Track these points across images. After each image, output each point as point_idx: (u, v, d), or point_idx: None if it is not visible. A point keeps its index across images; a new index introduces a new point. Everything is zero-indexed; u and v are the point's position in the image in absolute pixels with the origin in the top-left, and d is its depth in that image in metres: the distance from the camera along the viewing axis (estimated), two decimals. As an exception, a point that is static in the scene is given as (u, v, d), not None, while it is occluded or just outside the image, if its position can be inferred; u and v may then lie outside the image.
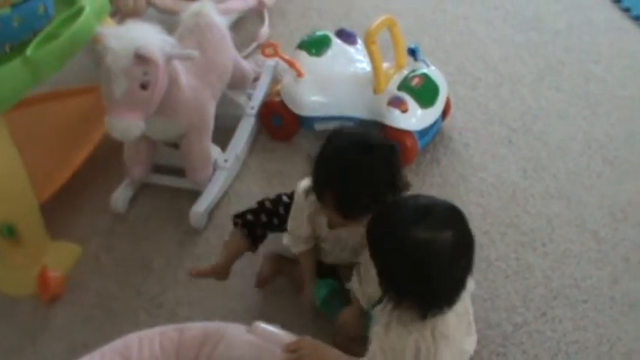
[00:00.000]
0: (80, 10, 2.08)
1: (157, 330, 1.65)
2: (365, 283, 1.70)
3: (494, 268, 2.03)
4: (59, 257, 2.16)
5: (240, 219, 1.93)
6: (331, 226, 1.78)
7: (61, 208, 2.28)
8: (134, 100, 1.96)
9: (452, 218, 1.41)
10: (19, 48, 1.95)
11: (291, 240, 1.86)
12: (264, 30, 2.94)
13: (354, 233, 1.72)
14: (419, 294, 1.40)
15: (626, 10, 2.97)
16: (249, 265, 2.03)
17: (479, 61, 2.78)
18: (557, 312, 1.92)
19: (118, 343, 1.62)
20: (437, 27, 2.97)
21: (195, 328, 1.65)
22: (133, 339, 1.63)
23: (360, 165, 1.59)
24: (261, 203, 1.94)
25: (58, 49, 1.99)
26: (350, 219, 1.65)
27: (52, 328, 2.03)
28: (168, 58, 2.01)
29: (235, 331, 1.64)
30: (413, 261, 1.37)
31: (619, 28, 2.90)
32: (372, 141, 1.65)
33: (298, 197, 1.80)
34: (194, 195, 2.27)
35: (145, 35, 1.98)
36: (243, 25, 2.98)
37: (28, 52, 1.92)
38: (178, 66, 2.09)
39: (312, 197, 1.70)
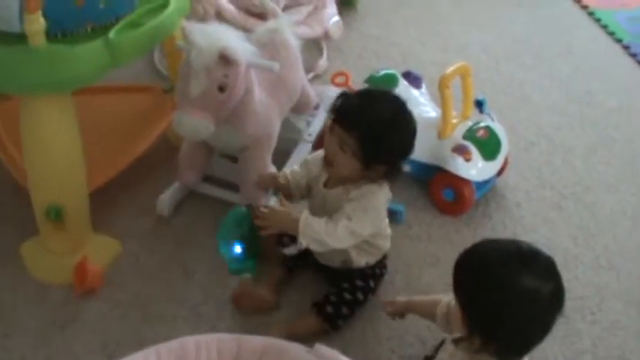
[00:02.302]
0: (165, 4, 2.06)
1: (214, 337, 1.58)
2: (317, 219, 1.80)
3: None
4: (99, 251, 2.09)
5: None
6: (326, 184, 1.90)
7: (106, 202, 2.23)
8: (209, 100, 1.92)
9: (553, 268, 1.38)
10: (100, 30, 1.92)
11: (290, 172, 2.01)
12: (323, 62, 2.94)
13: (335, 199, 1.86)
14: (511, 341, 1.36)
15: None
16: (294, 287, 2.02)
17: (532, 125, 2.79)
18: (604, 381, 1.89)
19: (174, 344, 1.55)
20: (492, 86, 2.98)
21: (255, 341, 1.58)
22: (189, 341, 1.55)
23: (395, 118, 1.77)
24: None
25: (139, 37, 1.96)
26: (367, 165, 1.77)
27: (83, 321, 1.95)
28: (250, 66, 1.99)
29: (295, 350, 1.57)
30: (518, 308, 1.34)
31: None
32: (410, 113, 1.84)
33: (315, 155, 1.96)
34: (242, 211, 2.22)
35: (230, 37, 1.95)
36: (302, 54, 2.96)
37: (111, 34, 1.89)
38: (254, 77, 2.06)
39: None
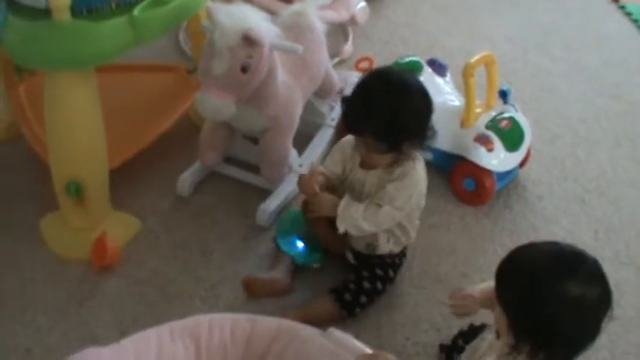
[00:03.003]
0: (191, -15, 2.06)
1: (228, 316, 1.60)
2: (355, 206, 1.84)
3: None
4: (118, 228, 2.11)
5: None
6: (362, 164, 1.90)
7: (126, 180, 2.24)
8: (232, 80, 1.92)
9: (599, 270, 1.36)
10: (124, 7, 1.92)
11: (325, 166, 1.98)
12: (348, 47, 2.92)
13: (374, 182, 1.87)
14: (559, 348, 1.35)
15: None
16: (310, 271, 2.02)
17: (557, 117, 2.76)
18: (620, 378, 1.86)
19: (188, 322, 1.57)
20: (518, 77, 2.95)
21: (268, 322, 1.60)
22: (203, 320, 1.57)
23: (397, 100, 1.77)
24: None
25: (164, 15, 1.97)
26: (395, 148, 1.81)
27: (101, 297, 1.97)
28: (273, 47, 1.98)
29: (309, 332, 1.58)
30: (566, 318, 1.32)
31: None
32: (409, 81, 1.83)
33: (346, 139, 1.95)
34: (262, 193, 2.23)
35: (255, 18, 1.95)
36: (328, 39, 2.93)
37: (136, 12, 1.89)
38: (277, 59, 2.06)
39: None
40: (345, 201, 1.85)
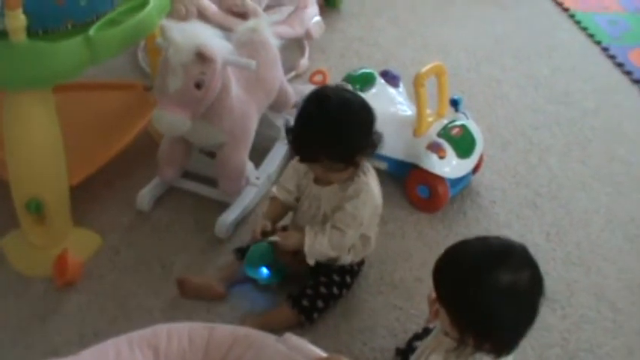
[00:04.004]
0: (144, 3, 2.11)
1: (186, 324, 1.63)
2: (319, 237, 1.88)
3: (514, 322, 2.03)
4: (79, 244, 2.13)
5: (240, 253, 2.07)
6: (317, 181, 1.94)
7: (86, 197, 2.27)
8: (186, 96, 1.97)
9: (527, 255, 1.44)
10: (80, 27, 1.97)
11: (277, 187, 2.03)
12: (304, 61, 2.98)
13: (330, 198, 1.92)
14: (502, 336, 1.41)
15: (654, 99, 3.05)
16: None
17: (509, 124, 2.83)
18: (572, 374, 1.93)
19: (146, 332, 1.60)
20: (470, 86, 3.03)
21: (225, 329, 1.64)
22: (162, 329, 1.61)
23: (339, 117, 1.81)
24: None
25: (119, 34, 2.01)
26: (351, 163, 1.85)
27: (63, 313, 1.99)
28: (226, 63, 2.03)
29: (265, 339, 1.62)
30: (500, 306, 1.39)
31: (645, 115, 2.98)
32: (346, 96, 1.88)
33: (296, 161, 1.99)
34: (220, 206, 2.27)
35: (207, 35, 2.00)
36: (283, 54, 2.99)
37: (91, 32, 1.93)
38: (231, 75, 2.11)
39: None
40: (308, 238, 1.89)
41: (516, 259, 1.42)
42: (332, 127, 1.80)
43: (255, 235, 1.97)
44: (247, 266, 2.02)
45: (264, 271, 2.02)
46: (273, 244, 1.95)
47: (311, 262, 1.92)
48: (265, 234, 1.96)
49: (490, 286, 1.38)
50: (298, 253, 1.93)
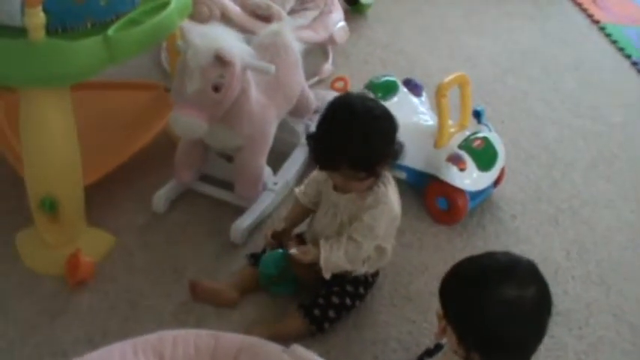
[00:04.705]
0: (165, 4, 2.09)
1: (192, 332, 1.61)
2: (335, 250, 1.86)
3: (529, 341, 1.99)
4: (93, 244, 2.12)
5: (253, 259, 2.06)
6: (335, 188, 1.92)
7: (101, 196, 2.26)
8: (204, 100, 1.95)
9: (533, 271, 1.41)
10: (100, 26, 1.96)
11: (301, 190, 2.02)
12: (328, 66, 2.96)
13: (348, 206, 1.90)
14: (508, 353, 1.39)
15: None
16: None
17: (534, 137, 2.79)
18: (587, 396, 1.88)
19: (151, 337, 1.58)
20: (496, 97, 2.99)
21: (232, 338, 1.61)
22: (167, 336, 1.58)
23: (362, 128, 1.78)
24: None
25: (138, 35, 1.99)
26: (372, 173, 1.82)
27: (72, 312, 1.98)
28: (245, 67, 2.02)
29: (271, 349, 1.59)
30: (505, 321, 1.36)
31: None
32: (371, 106, 1.85)
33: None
34: (236, 211, 2.25)
35: (227, 39, 1.98)
36: (307, 59, 2.97)
37: (110, 31, 1.92)
38: (250, 78, 2.09)
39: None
40: (324, 251, 1.86)
41: (522, 274, 1.40)
42: (355, 136, 1.78)
43: (266, 238, 1.96)
44: (261, 275, 2.00)
45: (275, 279, 1.99)
46: (289, 256, 1.92)
47: (327, 275, 1.89)
48: (276, 235, 1.95)
49: (494, 303, 1.36)
50: (313, 266, 1.90)
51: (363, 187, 1.87)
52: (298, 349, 1.58)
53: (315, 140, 1.86)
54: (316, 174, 2.01)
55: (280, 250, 1.97)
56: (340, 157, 1.80)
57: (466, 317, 1.41)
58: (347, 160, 1.79)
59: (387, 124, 1.83)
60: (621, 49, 3.39)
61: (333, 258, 1.86)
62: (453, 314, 1.43)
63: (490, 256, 1.48)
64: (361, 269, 1.97)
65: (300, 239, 2.01)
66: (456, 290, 1.44)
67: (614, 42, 3.44)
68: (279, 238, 2.00)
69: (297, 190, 2.05)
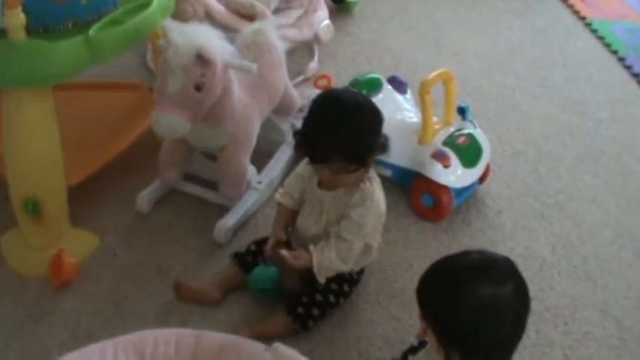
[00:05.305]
0: (147, 3, 2.08)
1: (173, 331, 1.61)
2: (326, 252, 1.86)
3: (514, 336, 1.99)
4: (76, 245, 2.11)
5: (237, 258, 2.05)
6: (320, 184, 1.92)
7: (85, 197, 2.25)
8: (186, 99, 1.95)
9: (510, 268, 1.41)
10: (81, 26, 1.95)
11: (281, 193, 2.02)
12: (313, 65, 2.95)
13: (334, 203, 1.90)
14: (487, 351, 1.38)
15: (671, 112, 2.98)
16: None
17: (520, 133, 2.79)
18: (572, 392, 1.88)
19: (132, 337, 1.58)
20: (482, 93, 2.98)
21: (213, 337, 1.62)
22: (148, 335, 1.59)
23: (355, 119, 1.80)
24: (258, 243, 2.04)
25: (120, 34, 1.98)
26: (360, 165, 1.82)
27: (57, 314, 1.97)
28: (227, 66, 2.01)
29: (253, 347, 1.60)
30: (482, 320, 1.36)
31: (662, 128, 2.92)
32: (358, 98, 1.89)
33: (302, 163, 2.00)
34: (221, 210, 2.24)
35: (209, 38, 1.98)
36: (292, 57, 2.98)
37: (91, 32, 1.91)
38: (233, 77, 2.08)
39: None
40: (315, 255, 1.86)
41: (499, 272, 1.40)
42: (346, 127, 1.79)
43: (270, 249, 1.94)
44: (253, 288, 1.99)
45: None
46: (280, 268, 1.91)
47: (322, 279, 1.89)
48: (279, 244, 1.93)
49: (470, 302, 1.35)
50: (306, 276, 1.90)
51: (352, 180, 1.87)
52: (280, 347, 1.57)
53: (306, 135, 1.86)
54: (299, 172, 2.00)
55: (273, 268, 1.93)
56: (333, 151, 1.80)
57: (442, 317, 1.40)
58: (340, 152, 1.80)
59: (374, 116, 1.85)
60: (608, 45, 3.38)
61: (325, 261, 1.86)
62: (429, 314, 1.43)
63: (465, 254, 1.47)
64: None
65: (288, 245, 1.98)
66: (431, 290, 1.43)
67: (600, 38, 3.43)
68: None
69: (277, 195, 2.03)
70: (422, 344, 1.79)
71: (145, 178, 2.32)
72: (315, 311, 1.93)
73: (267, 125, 2.35)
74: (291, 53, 2.97)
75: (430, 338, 1.45)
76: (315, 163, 1.88)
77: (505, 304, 1.36)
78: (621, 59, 3.28)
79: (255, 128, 2.21)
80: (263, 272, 1.95)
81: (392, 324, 1.99)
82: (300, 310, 1.92)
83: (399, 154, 2.29)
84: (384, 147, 1.87)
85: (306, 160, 1.97)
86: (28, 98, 1.92)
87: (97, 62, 1.96)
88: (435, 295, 1.42)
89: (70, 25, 1.97)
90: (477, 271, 1.39)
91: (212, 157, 2.28)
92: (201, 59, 1.91)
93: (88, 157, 2.24)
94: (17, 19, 1.79)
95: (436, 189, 2.26)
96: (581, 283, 2.18)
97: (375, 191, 1.90)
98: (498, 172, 2.54)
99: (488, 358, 1.40)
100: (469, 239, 2.29)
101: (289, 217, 2.02)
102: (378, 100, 2.39)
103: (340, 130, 1.79)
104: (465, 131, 2.34)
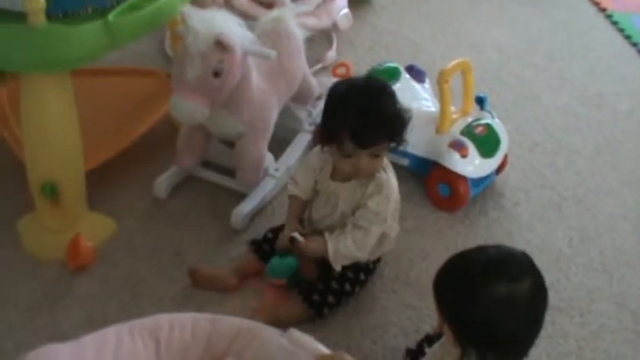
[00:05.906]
0: (167, -11, 2.09)
1: (189, 316, 1.62)
2: (342, 240, 1.86)
3: (530, 327, 1.98)
4: (94, 228, 2.13)
5: (254, 245, 2.05)
6: (333, 176, 1.93)
7: (103, 181, 2.26)
8: (204, 85, 1.95)
9: (527, 264, 1.39)
10: (100, 11, 1.95)
11: (292, 185, 2.00)
12: (332, 53, 2.95)
13: (349, 195, 1.90)
14: (505, 348, 1.37)
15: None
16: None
17: (538, 125, 2.77)
18: (587, 384, 1.88)
19: (147, 321, 1.59)
20: (501, 84, 2.97)
21: (229, 321, 1.62)
22: (164, 319, 1.59)
23: (372, 100, 1.83)
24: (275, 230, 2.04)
25: (139, 20, 1.99)
26: (366, 148, 1.81)
27: (73, 297, 1.99)
28: (246, 53, 2.01)
29: (269, 333, 1.60)
30: (500, 317, 1.34)
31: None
32: (383, 83, 1.93)
33: (312, 154, 2.00)
34: (237, 196, 2.25)
35: (228, 24, 1.98)
36: (311, 45, 2.97)
37: (110, 17, 1.92)
38: (252, 64, 2.08)
39: (326, 154, 1.92)
40: (330, 243, 1.87)
41: (515, 267, 1.37)
42: (388, 107, 1.84)
43: (284, 240, 1.94)
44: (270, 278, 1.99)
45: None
46: (298, 257, 1.92)
47: (338, 267, 1.90)
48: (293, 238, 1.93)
49: (487, 298, 1.33)
50: (322, 264, 1.90)
51: (376, 168, 1.87)
52: (295, 332, 1.58)
53: (353, 124, 1.80)
54: (310, 163, 1.99)
55: (290, 258, 1.94)
56: (382, 132, 1.82)
57: (458, 314, 1.38)
58: (387, 132, 1.83)
59: (396, 96, 1.89)
60: (628, 37, 3.35)
61: (341, 249, 1.86)
62: (446, 311, 1.41)
63: (481, 249, 1.44)
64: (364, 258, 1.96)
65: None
66: (447, 286, 1.41)
67: (620, 30, 3.40)
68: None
69: (289, 187, 2.02)
70: (438, 335, 1.78)
71: (163, 164, 2.33)
72: (331, 298, 1.93)
73: (285, 113, 2.34)
74: (309, 41, 2.96)
75: (446, 333, 1.44)
76: (365, 148, 1.83)
77: (522, 301, 1.34)
78: (641, 51, 3.26)
79: (273, 116, 2.21)
80: (280, 262, 1.96)
81: (407, 312, 1.99)
82: (316, 297, 1.92)
83: (416, 143, 2.27)
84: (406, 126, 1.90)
85: (316, 151, 1.98)
86: (48, 83, 1.93)
87: (115, 47, 1.97)
88: (451, 293, 1.39)
89: (90, 9, 1.96)
90: (493, 267, 1.36)
91: (230, 144, 2.28)
92: (220, 45, 1.91)
93: (105, 142, 2.25)
94: (37, 2, 1.78)
95: (453, 179, 2.26)
96: (598, 275, 2.17)
97: (390, 178, 1.90)
98: (516, 163, 2.53)
99: (505, 354, 1.38)
100: (485, 230, 2.28)
101: (303, 208, 2.02)
102: (395, 89, 2.37)
103: (385, 110, 1.83)
104: (483, 121, 2.33)
